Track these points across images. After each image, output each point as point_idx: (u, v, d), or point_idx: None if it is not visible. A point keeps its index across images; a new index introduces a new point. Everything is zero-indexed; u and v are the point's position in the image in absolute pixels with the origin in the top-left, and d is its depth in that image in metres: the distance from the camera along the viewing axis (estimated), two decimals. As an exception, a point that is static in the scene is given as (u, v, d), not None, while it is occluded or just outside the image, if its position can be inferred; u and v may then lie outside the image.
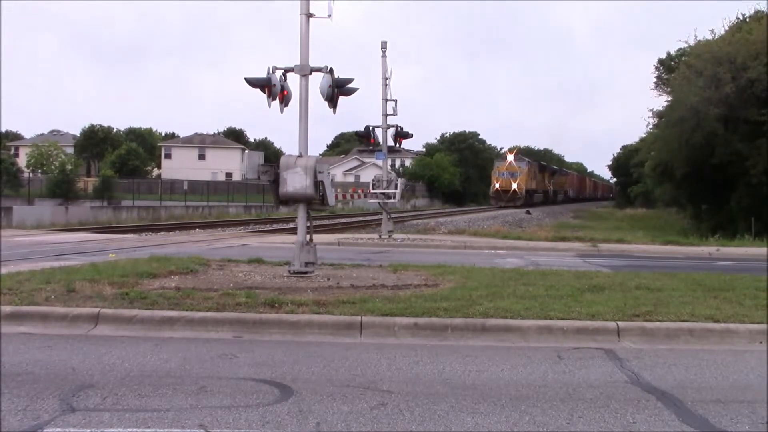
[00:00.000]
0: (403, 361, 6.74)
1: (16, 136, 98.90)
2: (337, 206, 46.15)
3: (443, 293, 9.69)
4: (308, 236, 11.58)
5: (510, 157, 65.72)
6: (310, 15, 11.59)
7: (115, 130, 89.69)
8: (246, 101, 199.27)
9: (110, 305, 8.45)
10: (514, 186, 62.84)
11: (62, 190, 55.28)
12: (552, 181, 79.87)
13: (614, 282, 11.27)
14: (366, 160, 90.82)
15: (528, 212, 53.02)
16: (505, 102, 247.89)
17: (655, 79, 51.11)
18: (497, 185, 64.20)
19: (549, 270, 13.22)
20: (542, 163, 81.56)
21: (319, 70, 11.53)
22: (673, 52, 49.85)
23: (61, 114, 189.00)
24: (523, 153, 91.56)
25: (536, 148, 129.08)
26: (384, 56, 23.19)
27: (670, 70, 46.99)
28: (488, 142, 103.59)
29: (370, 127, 22.85)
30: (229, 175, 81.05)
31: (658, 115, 40.84)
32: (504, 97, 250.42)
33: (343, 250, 19.25)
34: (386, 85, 22.92)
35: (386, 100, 22.94)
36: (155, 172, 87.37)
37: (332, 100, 11.68)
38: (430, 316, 8.22)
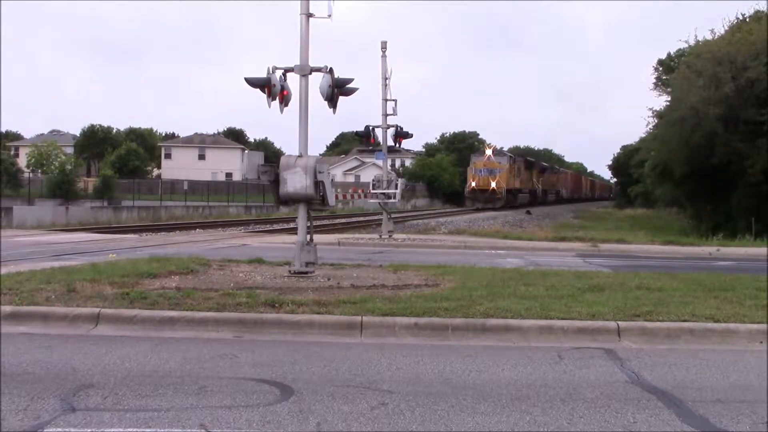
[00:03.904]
0: (404, 361, 6.74)
1: (16, 136, 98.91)
2: (338, 206, 46.13)
3: (443, 293, 9.69)
4: (308, 236, 11.58)
5: (488, 152, 58.27)
6: (310, 15, 11.60)
7: (115, 130, 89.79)
8: (246, 101, 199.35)
9: (111, 305, 8.45)
10: (493, 185, 55.08)
11: (62, 190, 55.29)
12: (541, 179, 73.35)
13: (614, 282, 11.27)
14: (366, 160, 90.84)
15: (528, 212, 52.91)
16: (506, 102, 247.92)
17: (654, 80, 51.23)
18: (473, 183, 56.44)
19: (549, 270, 13.22)
20: (529, 159, 74.62)
21: (319, 70, 11.53)
22: (673, 53, 49.96)
23: (61, 114, 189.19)
24: (523, 152, 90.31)
25: (536, 148, 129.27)
26: (384, 56, 23.19)
27: (670, 70, 47.03)
28: (488, 142, 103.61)
29: (370, 127, 22.87)
30: (229, 175, 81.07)
31: (658, 115, 40.86)
32: (504, 97, 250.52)
33: (344, 250, 19.25)
34: (386, 85, 22.93)
35: (386, 100, 22.95)
36: (155, 172, 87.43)
37: (332, 100, 11.68)
38: (430, 316, 8.22)
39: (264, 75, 11.29)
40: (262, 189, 48.59)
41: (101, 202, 51.87)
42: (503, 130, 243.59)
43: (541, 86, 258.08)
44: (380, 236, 23.42)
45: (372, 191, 24.18)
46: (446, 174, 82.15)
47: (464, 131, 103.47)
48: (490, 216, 44.45)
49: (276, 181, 11.26)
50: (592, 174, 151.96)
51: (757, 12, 36.98)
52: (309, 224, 11.69)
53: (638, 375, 6.43)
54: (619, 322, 8.14)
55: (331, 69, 11.54)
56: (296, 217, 12.53)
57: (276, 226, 32.46)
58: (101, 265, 12.01)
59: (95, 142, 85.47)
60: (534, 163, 73.74)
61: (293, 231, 17.13)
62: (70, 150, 79.58)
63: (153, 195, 58.15)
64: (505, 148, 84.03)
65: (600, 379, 6.30)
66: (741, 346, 7.87)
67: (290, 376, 6.07)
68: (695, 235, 28.22)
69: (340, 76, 11.68)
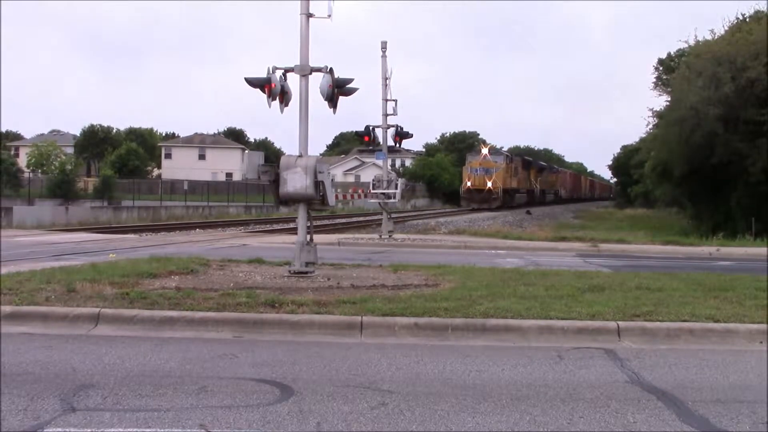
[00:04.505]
0: (404, 361, 6.74)
1: (16, 136, 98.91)
2: (338, 206, 46.10)
3: (443, 293, 9.69)
4: (308, 236, 11.58)
5: (484, 151, 56.91)
6: (310, 15, 11.60)
7: (115, 130, 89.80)
8: (246, 101, 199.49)
9: (110, 305, 8.45)
10: (489, 184, 53.66)
11: (62, 190, 55.27)
12: (539, 179, 72.27)
13: (614, 282, 11.27)
14: (366, 160, 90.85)
15: (528, 212, 52.86)
16: (506, 102, 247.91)
17: (654, 80, 51.25)
18: (469, 183, 55.00)
19: (549, 270, 13.22)
20: (527, 158, 72.36)
21: (319, 70, 11.53)
22: (673, 53, 49.97)
23: (61, 114, 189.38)
24: (522, 152, 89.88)
25: (536, 148, 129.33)
26: (384, 56, 23.19)
27: (669, 70, 47.04)
28: (488, 142, 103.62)
29: (370, 127, 22.87)
30: (229, 175, 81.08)
31: (658, 115, 40.88)
32: (504, 96, 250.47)
33: (344, 250, 19.25)
34: (386, 85, 22.92)
35: (386, 100, 22.95)
36: (155, 172, 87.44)
37: (332, 100, 11.68)
38: (430, 316, 8.22)
39: (264, 75, 11.29)
40: (262, 189, 48.59)
41: (101, 202, 51.86)
42: (503, 130, 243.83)
43: (541, 86, 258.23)
44: (380, 236, 23.41)
45: (372, 191, 24.18)
46: (446, 174, 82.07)
47: (464, 131, 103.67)
48: (490, 216, 44.45)
49: (276, 181, 11.26)
50: (592, 174, 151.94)
51: (757, 12, 36.99)
52: (309, 224, 11.69)
53: (638, 375, 6.42)
54: (619, 322, 8.14)
55: (331, 69, 11.54)
56: (296, 217, 12.53)
57: (276, 226, 32.45)
58: (101, 265, 12.01)
59: (95, 142, 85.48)
60: (532, 162, 72.26)
61: (293, 231, 17.12)
62: (70, 150, 79.52)
63: (153, 195, 58.13)
64: (505, 148, 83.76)
65: (600, 379, 6.30)
66: (741, 346, 7.86)
67: (290, 376, 6.07)
68: (695, 235, 28.20)
69: (340, 76, 11.69)
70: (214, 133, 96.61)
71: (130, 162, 74.02)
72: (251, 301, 8.72)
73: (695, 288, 10.81)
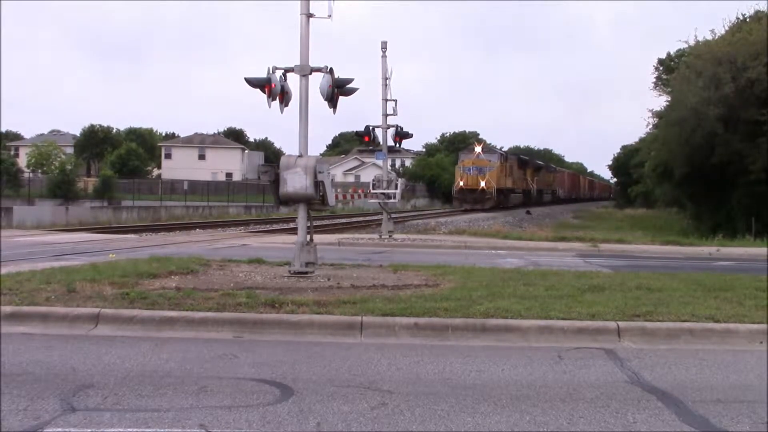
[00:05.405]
0: (404, 361, 6.74)
1: (16, 136, 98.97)
2: (338, 206, 46.04)
3: (443, 293, 9.69)
4: (308, 236, 11.57)
5: (477, 149, 54.32)
6: (310, 15, 11.59)
7: (114, 130, 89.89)
8: (246, 101, 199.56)
9: (110, 305, 8.45)
10: (482, 184, 51.27)
11: (62, 190, 55.35)
12: (536, 178, 69.39)
13: (614, 282, 11.27)
14: (366, 160, 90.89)
15: (528, 212, 52.79)
16: (507, 102, 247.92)
17: (654, 80, 51.33)
18: (461, 183, 52.53)
19: (549, 270, 13.21)
20: (522, 157, 69.69)
21: (319, 70, 11.53)
22: (673, 52, 50.06)
23: (61, 114, 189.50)
24: (523, 152, 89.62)
25: (536, 148, 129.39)
26: (384, 56, 23.17)
27: (669, 70, 47.12)
28: (489, 142, 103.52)
29: (370, 127, 22.86)
30: (229, 175, 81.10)
31: (658, 115, 40.96)
32: (505, 96, 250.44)
33: (344, 250, 19.24)
34: (386, 85, 22.90)
35: (386, 100, 22.93)
36: (155, 172, 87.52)
37: (332, 100, 11.68)
38: (430, 316, 8.22)
39: (264, 75, 11.29)
40: (262, 189, 48.62)
41: (101, 202, 51.93)
42: (504, 130, 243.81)
43: (541, 86, 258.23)
44: (380, 236, 23.39)
45: (372, 191, 24.16)
46: (446, 174, 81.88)
47: (465, 131, 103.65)
48: (490, 216, 44.41)
49: (276, 181, 11.25)
50: (591, 174, 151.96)
51: (757, 12, 37.04)
52: (309, 224, 11.69)
53: (638, 375, 6.43)
54: (619, 322, 8.13)
55: (331, 69, 11.54)
56: (296, 217, 12.53)
57: (276, 226, 32.44)
58: (101, 265, 12.01)
59: (95, 142, 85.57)
60: (528, 161, 70.27)
61: (293, 231, 17.13)
62: (70, 150, 79.65)
63: (153, 195, 58.24)
64: (505, 148, 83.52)
65: (600, 379, 6.30)
66: (741, 346, 7.86)
67: (290, 376, 6.07)
68: (695, 235, 28.21)
69: (341, 76, 11.69)
70: (214, 133, 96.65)
71: (130, 162, 74.12)
72: (251, 301, 8.72)
73: (695, 288, 10.80)
